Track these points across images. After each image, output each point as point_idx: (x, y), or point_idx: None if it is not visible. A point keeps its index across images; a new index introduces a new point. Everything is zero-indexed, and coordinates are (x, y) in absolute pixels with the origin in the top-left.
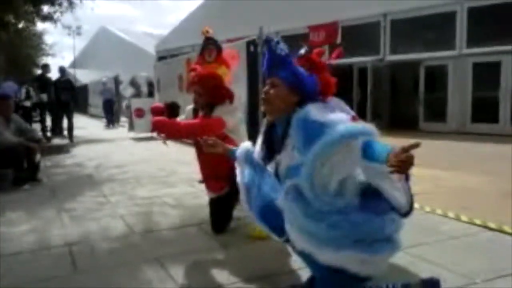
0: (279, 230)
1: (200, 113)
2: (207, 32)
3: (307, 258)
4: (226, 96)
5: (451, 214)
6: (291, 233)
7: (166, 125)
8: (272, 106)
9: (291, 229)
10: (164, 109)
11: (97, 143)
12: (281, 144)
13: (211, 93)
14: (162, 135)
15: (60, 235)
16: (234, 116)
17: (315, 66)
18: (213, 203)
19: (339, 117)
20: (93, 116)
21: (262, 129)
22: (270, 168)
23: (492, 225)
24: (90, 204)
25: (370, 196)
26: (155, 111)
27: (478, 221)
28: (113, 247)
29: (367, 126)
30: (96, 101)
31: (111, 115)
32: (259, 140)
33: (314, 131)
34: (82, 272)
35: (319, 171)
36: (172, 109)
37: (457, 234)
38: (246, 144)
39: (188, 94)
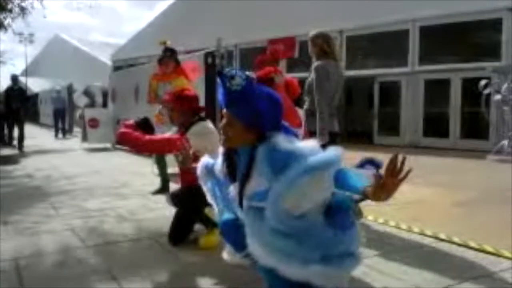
0: (239, 245)
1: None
2: (165, 43)
3: (269, 273)
4: (196, 112)
5: (403, 226)
6: (255, 248)
7: (131, 138)
8: (231, 144)
9: (254, 244)
10: (135, 127)
11: (48, 153)
12: (245, 170)
13: (182, 110)
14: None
15: (5, 249)
16: (205, 139)
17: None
18: (177, 214)
19: (308, 145)
20: (43, 125)
21: (223, 150)
22: (233, 189)
23: (442, 236)
24: (38, 217)
25: (335, 212)
26: (127, 127)
27: (429, 232)
28: (63, 261)
29: (337, 154)
30: (47, 110)
31: (62, 124)
32: (220, 159)
33: (281, 161)
34: None
35: (284, 203)
36: (145, 126)
37: (409, 245)
38: (204, 160)
39: (146, 107)
